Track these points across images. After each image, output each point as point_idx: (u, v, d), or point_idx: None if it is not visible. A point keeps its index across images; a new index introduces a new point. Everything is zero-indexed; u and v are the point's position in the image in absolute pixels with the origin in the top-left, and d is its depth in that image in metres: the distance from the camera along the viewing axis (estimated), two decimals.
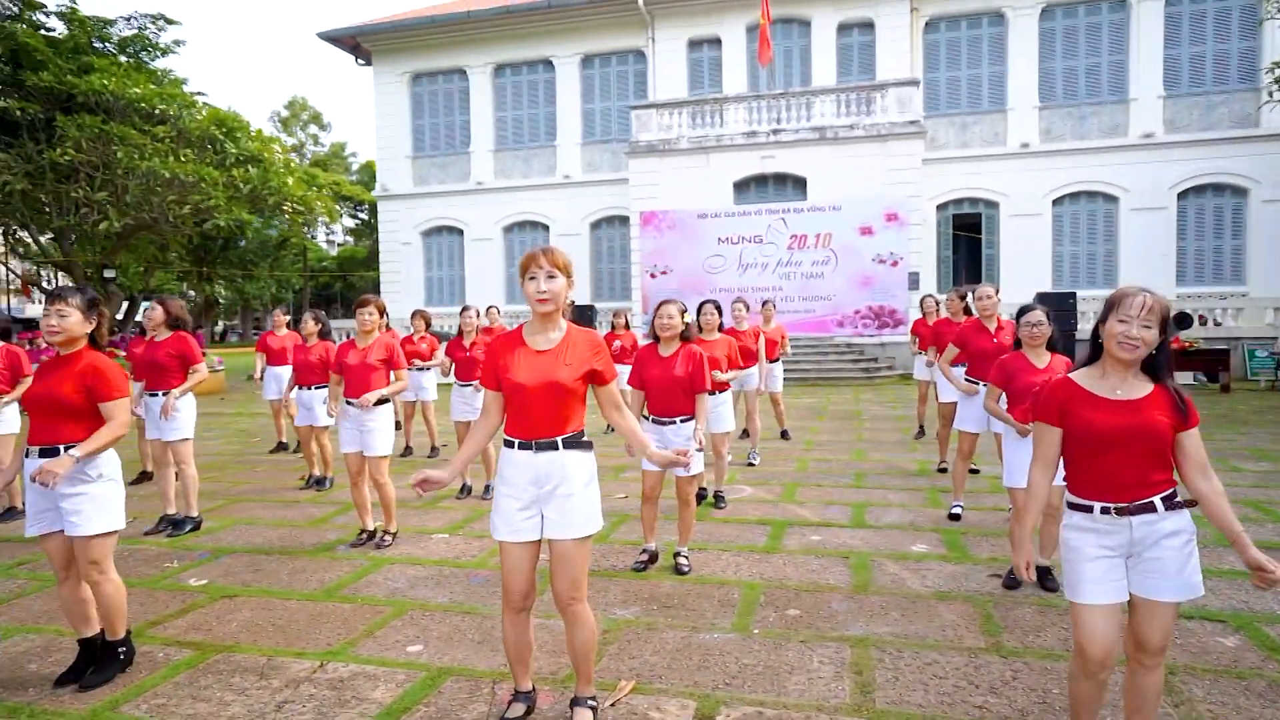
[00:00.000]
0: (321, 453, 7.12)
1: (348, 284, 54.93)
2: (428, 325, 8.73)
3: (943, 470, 7.36)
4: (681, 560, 4.67)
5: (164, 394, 5.57)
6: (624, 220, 21.11)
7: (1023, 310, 4.39)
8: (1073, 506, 2.46)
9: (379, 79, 23.26)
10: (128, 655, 3.32)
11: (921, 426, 9.58)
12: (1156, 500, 2.36)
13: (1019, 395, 4.34)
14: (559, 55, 22.08)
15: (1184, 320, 14.73)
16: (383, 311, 5.41)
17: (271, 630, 3.81)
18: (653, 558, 4.76)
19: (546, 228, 22.58)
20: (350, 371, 5.23)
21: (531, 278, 2.70)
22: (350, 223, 55.33)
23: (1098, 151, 19.53)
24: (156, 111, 14.76)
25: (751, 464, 7.91)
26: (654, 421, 4.62)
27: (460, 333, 6.83)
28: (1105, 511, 2.39)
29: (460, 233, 23.12)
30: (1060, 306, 15.93)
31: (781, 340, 9.51)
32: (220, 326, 60.59)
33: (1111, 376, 2.42)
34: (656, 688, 3.18)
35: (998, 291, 5.86)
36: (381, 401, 5.24)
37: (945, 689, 3.15)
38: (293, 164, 18.21)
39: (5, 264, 23.42)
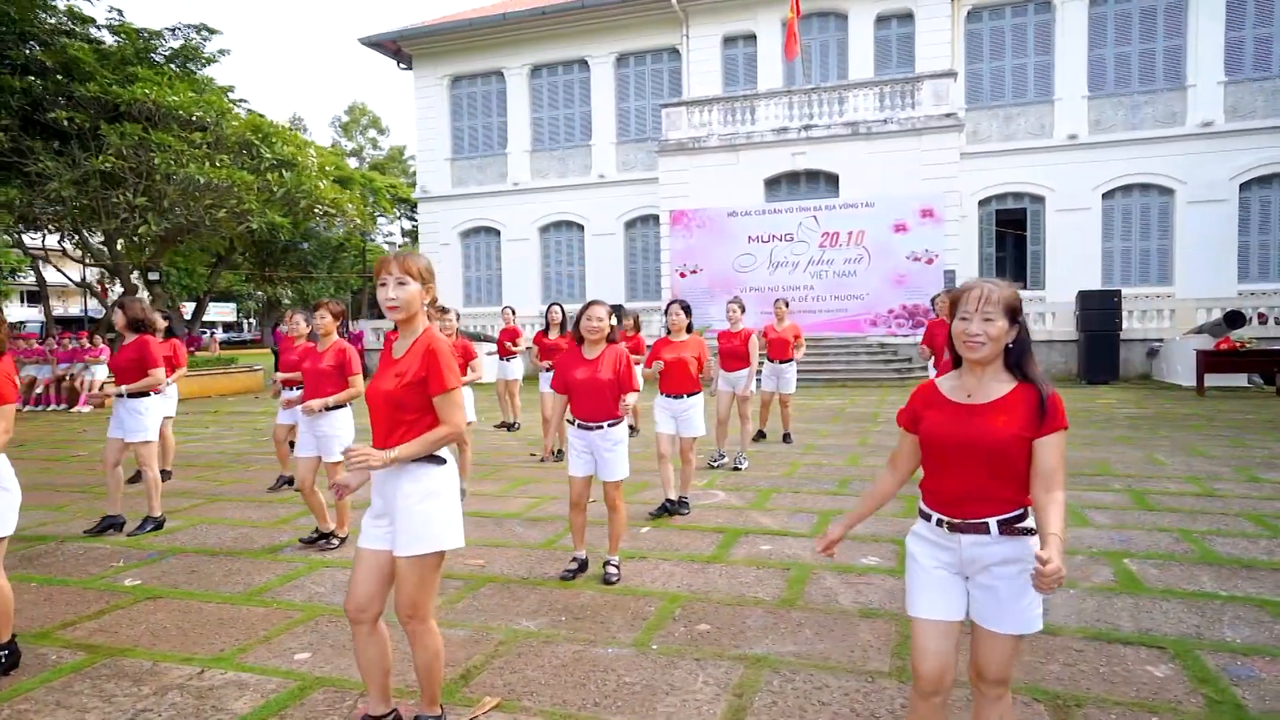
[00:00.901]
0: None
1: None
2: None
3: None
4: (610, 569, 4.55)
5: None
6: (657, 219, 21.00)
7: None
8: (921, 513, 2.28)
9: (419, 82, 23.65)
10: (9, 660, 3.37)
11: None
12: (991, 522, 2.15)
13: None
14: (594, 55, 22.08)
15: (1236, 319, 13.88)
16: (337, 316, 5.43)
17: (175, 634, 3.83)
18: (582, 566, 4.65)
19: (581, 227, 22.62)
20: (307, 376, 5.27)
21: (381, 284, 2.63)
22: (409, 225, 56.53)
23: (1152, 142, 18.60)
24: (194, 119, 15.26)
25: (738, 468, 7.73)
26: (580, 426, 4.50)
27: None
28: (940, 524, 2.21)
29: (497, 233, 23.34)
30: (1103, 305, 15.24)
31: (795, 340, 9.26)
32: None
33: (968, 378, 2.23)
34: (521, 705, 3.08)
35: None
36: (336, 407, 5.27)
37: (823, 716, 2.97)
38: (326, 168, 18.58)
39: (86, 265, 24.39)
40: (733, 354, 7.65)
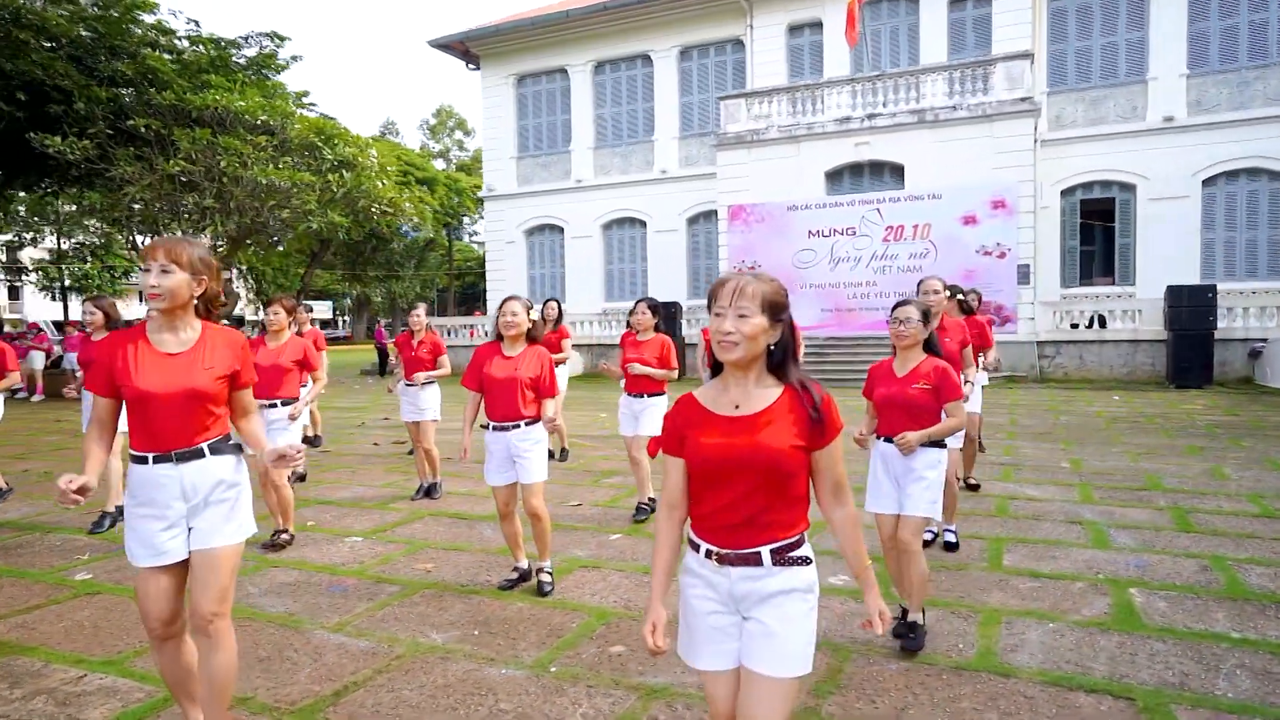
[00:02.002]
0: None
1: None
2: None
3: (972, 488, 6.48)
4: (544, 578, 4.29)
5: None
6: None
7: (897, 305, 3.69)
8: (690, 543, 1.96)
9: (486, 82, 23.92)
10: None
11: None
12: (764, 551, 1.83)
13: (876, 408, 3.69)
14: (657, 49, 21.81)
15: None
16: (291, 311, 5.37)
17: (88, 633, 3.80)
18: (524, 576, 4.41)
19: (644, 224, 22.40)
20: (260, 372, 5.21)
21: (145, 270, 2.47)
22: None
23: (1263, 122, 16.94)
24: (260, 122, 15.81)
25: None
26: (494, 428, 4.23)
27: (411, 331, 6.72)
28: (709, 556, 1.88)
29: (561, 230, 23.38)
30: (1194, 301, 14.01)
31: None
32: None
33: (732, 387, 1.90)
34: None
35: (945, 286, 5.09)
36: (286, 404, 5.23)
37: None
38: (388, 168, 18.98)
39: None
40: None
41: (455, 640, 3.65)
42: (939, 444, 3.59)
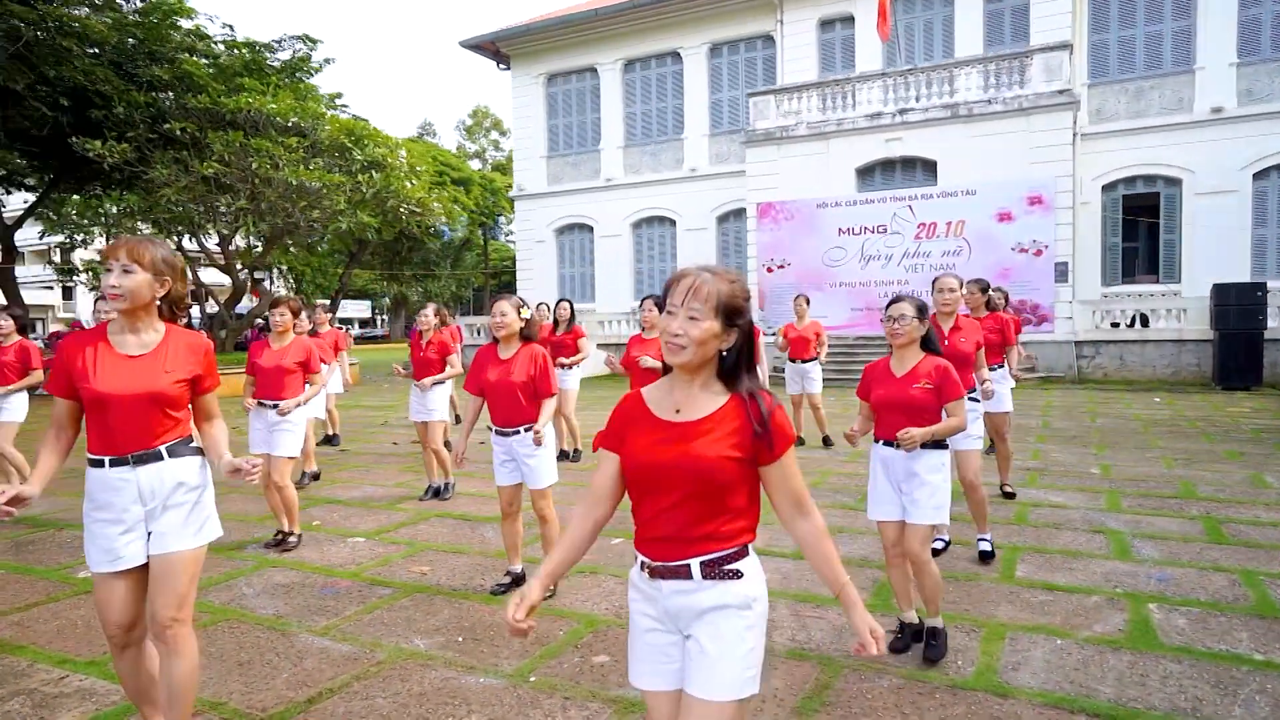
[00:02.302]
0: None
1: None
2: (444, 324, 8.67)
3: (1009, 495, 6.23)
4: None
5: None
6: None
7: (891, 302, 3.52)
8: (637, 556, 1.84)
9: (516, 82, 23.98)
10: None
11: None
12: (694, 564, 1.71)
13: (874, 410, 3.52)
14: (686, 46, 21.65)
15: None
16: (296, 313, 5.36)
17: (80, 633, 3.81)
18: (516, 580, 4.33)
19: (673, 222, 22.26)
20: (264, 373, 5.21)
21: (106, 270, 2.43)
22: None
23: None
24: (290, 124, 16.03)
25: None
26: (497, 432, 4.17)
27: (419, 331, 6.69)
28: (643, 568, 1.78)
29: (590, 230, 23.34)
30: (1242, 300, 13.49)
31: (816, 338, 8.73)
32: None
33: (677, 389, 1.78)
34: None
35: (961, 285, 4.89)
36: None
37: None
38: (417, 168, 19.13)
39: (201, 265, 26.34)
40: None
41: (438, 647, 3.59)
42: (940, 445, 3.43)
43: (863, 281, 17.15)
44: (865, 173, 17.58)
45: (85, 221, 23.57)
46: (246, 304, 28.94)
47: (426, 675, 3.30)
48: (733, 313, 1.72)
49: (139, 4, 17.48)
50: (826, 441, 8.79)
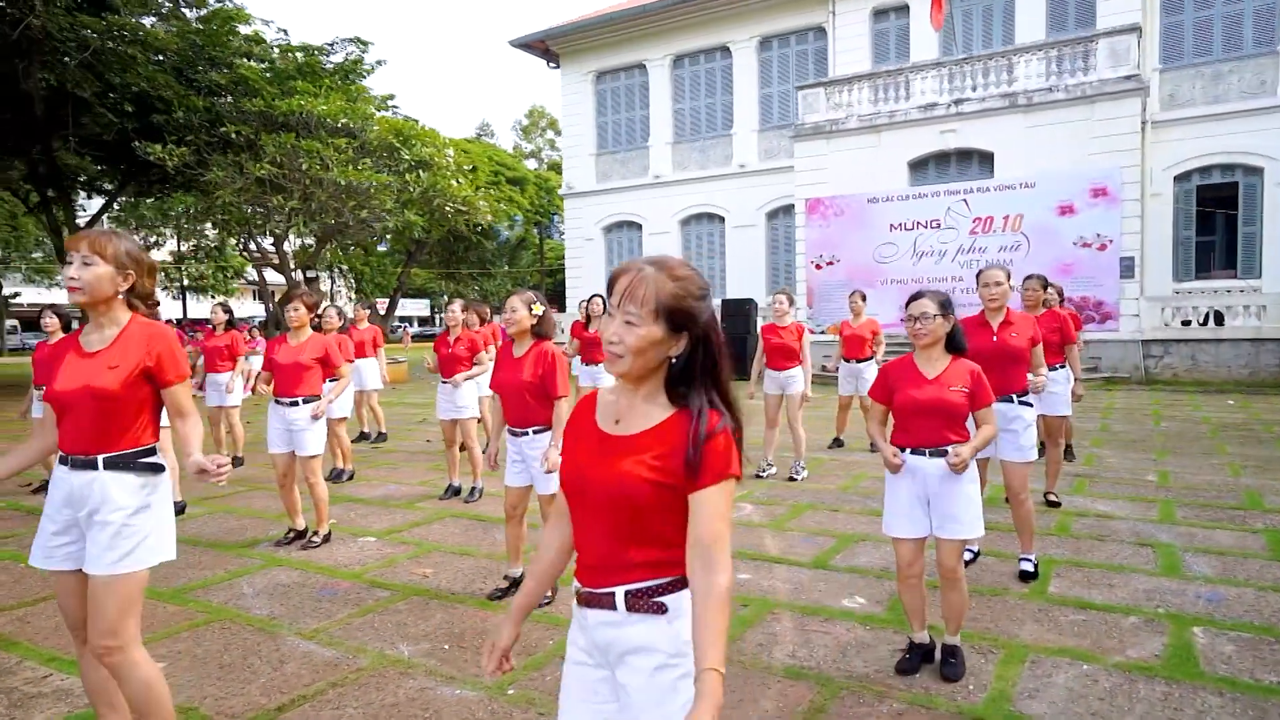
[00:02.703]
0: (339, 444, 7.29)
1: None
2: (482, 320, 8.63)
3: (1053, 504, 5.85)
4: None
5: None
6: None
7: (911, 299, 3.25)
8: None
9: (565, 80, 23.99)
10: None
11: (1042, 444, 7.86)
12: (618, 593, 1.51)
13: (898, 414, 3.24)
14: (736, 40, 21.33)
15: None
16: (312, 308, 5.32)
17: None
18: (515, 584, 4.20)
19: (722, 219, 21.97)
20: (280, 370, 5.18)
21: (67, 262, 2.36)
22: None
23: None
24: (340, 125, 16.30)
25: (794, 479, 6.93)
26: (510, 432, 4.05)
27: (448, 328, 6.62)
28: (577, 596, 1.60)
29: (639, 227, 23.22)
30: None
31: (873, 337, 8.30)
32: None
33: (621, 398, 1.59)
34: None
35: (1009, 278, 4.53)
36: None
37: None
38: (465, 167, 19.28)
39: (304, 270, 26.88)
40: (780, 351, 6.85)
41: (423, 654, 3.48)
42: None
43: (915, 279, 16.57)
44: (918, 166, 17.02)
45: (157, 223, 24.41)
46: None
47: (403, 684, 3.19)
48: (677, 317, 1.47)
49: (201, 11, 18.00)
50: (874, 447, 8.44)
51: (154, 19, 17.40)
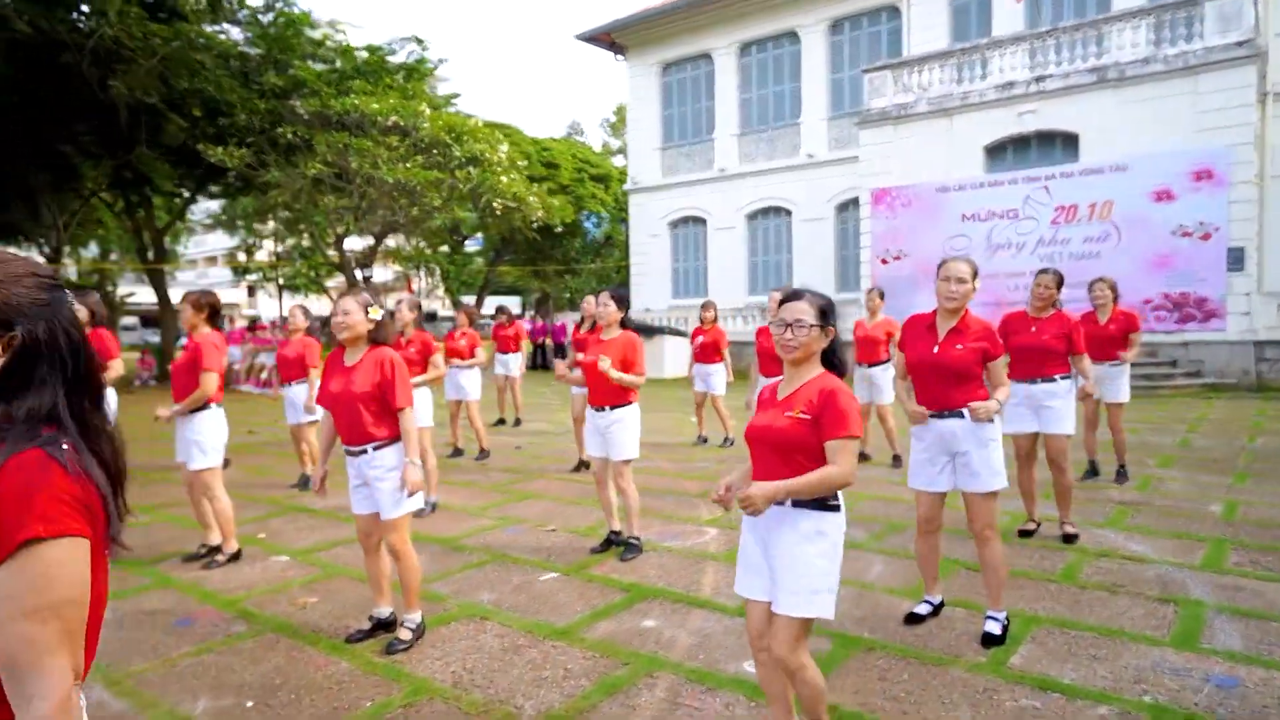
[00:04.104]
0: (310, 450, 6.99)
1: None
2: (471, 321, 8.22)
3: (1068, 538, 4.92)
4: (401, 634, 3.55)
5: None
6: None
7: (785, 299, 2.55)
8: None
9: (632, 72, 23.48)
10: None
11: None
12: None
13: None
14: (804, 24, 20.28)
15: None
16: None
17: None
18: (381, 625, 3.70)
19: (789, 213, 20.97)
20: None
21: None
22: None
23: None
24: (391, 123, 16.32)
25: None
26: (346, 452, 3.56)
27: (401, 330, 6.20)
28: None
29: (703, 222, 22.47)
30: None
31: (888, 339, 7.43)
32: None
33: None
34: None
35: (975, 275, 3.75)
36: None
37: None
38: (519, 162, 19.06)
39: (361, 268, 27.72)
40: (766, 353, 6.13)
41: (213, 714, 3.00)
42: None
43: (990, 273, 15.15)
44: (994, 151, 15.62)
45: (239, 224, 25.39)
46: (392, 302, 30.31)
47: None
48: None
49: (268, 16, 18.43)
50: (897, 461, 7.50)
51: (229, 25, 17.94)
